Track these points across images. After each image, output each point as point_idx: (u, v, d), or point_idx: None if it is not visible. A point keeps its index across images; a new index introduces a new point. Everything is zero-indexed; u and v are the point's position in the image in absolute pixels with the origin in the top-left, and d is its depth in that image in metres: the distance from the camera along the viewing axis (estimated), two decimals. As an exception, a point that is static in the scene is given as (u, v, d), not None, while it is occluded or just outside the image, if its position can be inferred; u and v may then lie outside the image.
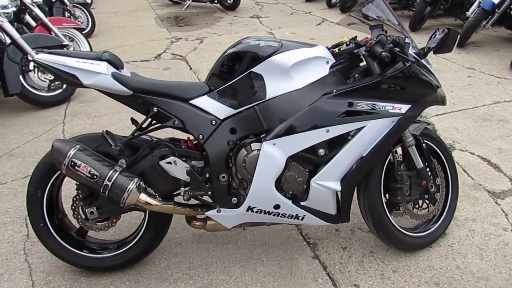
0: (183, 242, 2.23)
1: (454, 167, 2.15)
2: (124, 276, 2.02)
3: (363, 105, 1.76)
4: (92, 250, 2.00)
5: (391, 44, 1.79)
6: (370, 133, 1.78)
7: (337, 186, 1.81)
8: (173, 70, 5.06)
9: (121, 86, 1.76)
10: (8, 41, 3.76)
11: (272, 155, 1.75)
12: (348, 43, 1.89)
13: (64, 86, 4.05)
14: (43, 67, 1.80)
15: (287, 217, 1.88)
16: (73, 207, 1.90)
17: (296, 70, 1.76)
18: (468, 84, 4.28)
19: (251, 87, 1.78)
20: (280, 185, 1.81)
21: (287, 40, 1.86)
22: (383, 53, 1.66)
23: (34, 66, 3.89)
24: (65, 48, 4.25)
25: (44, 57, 1.79)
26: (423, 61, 1.83)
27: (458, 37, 1.73)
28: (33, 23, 4.44)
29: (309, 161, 1.80)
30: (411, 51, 1.80)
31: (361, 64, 1.91)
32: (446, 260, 2.05)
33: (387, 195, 2.02)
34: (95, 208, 1.86)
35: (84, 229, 1.98)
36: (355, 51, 1.85)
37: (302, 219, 1.89)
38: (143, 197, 1.77)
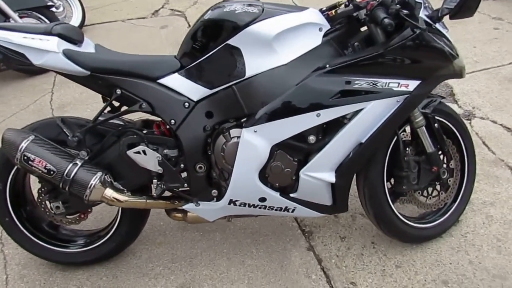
0: (167, 230, 2.06)
1: (472, 146, 1.86)
2: (102, 270, 1.87)
3: (361, 83, 1.47)
4: (66, 242, 1.84)
5: (397, 5, 1.46)
6: (370, 116, 1.50)
7: (331, 178, 1.56)
8: (170, 28, 4.72)
9: (75, 66, 1.50)
10: (-12, 4, 3.49)
11: (254, 144, 1.50)
12: (346, 4, 1.56)
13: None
14: (-14, 45, 1.54)
15: (275, 210, 1.66)
16: (39, 200, 1.72)
17: (280, 41, 1.46)
18: (494, 38, 3.82)
19: (228, 62, 1.50)
20: (265, 176, 1.57)
21: (271, 4, 1.55)
22: (386, 20, 1.34)
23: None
24: (53, 9, 3.97)
25: (-12, 33, 1.53)
26: (437, 26, 1.49)
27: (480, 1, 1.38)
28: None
29: (298, 150, 1.54)
30: (422, 14, 1.46)
31: (362, 29, 1.59)
32: (457, 253, 1.81)
33: (391, 181, 1.76)
34: (60, 202, 1.67)
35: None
36: (354, 14, 1.52)
37: (292, 211, 1.67)
38: (109, 192, 1.56)
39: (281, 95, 1.47)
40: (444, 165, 1.78)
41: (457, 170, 1.83)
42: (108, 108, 1.68)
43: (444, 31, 1.53)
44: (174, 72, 1.57)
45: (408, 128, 1.73)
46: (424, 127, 1.66)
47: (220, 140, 1.56)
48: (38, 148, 1.51)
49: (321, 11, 1.61)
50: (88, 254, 1.81)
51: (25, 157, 1.50)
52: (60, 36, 1.52)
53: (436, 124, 1.68)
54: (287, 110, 1.46)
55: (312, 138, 1.52)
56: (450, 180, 1.81)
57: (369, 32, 1.53)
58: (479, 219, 1.96)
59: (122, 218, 1.76)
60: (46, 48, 1.48)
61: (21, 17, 3.62)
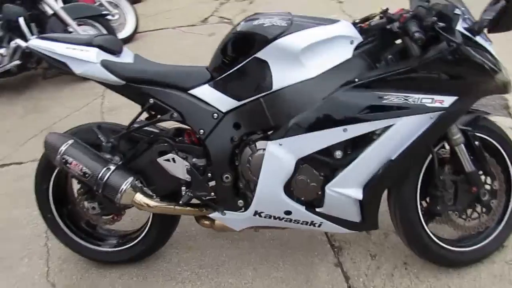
0: (197, 235, 2.09)
1: (520, 167, 1.72)
2: (133, 270, 1.94)
3: (392, 98, 1.41)
4: (101, 241, 1.94)
5: (434, 18, 1.39)
6: (400, 132, 1.44)
7: (358, 194, 1.52)
8: (218, 35, 4.78)
9: (111, 76, 1.58)
10: (50, 12, 3.76)
11: (278, 157, 1.49)
12: (380, 16, 1.51)
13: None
14: (36, 54, 1.66)
15: (301, 224, 1.64)
16: (78, 200, 1.82)
17: (308, 54, 1.45)
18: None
19: (256, 75, 1.51)
20: (290, 189, 1.56)
21: (302, 17, 1.54)
22: (416, 34, 1.28)
23: (76, 37, 3.86)
24: (109, 17, 4.19)
25: (37, 43, 1.66)
26: (477, 38, 1.40)
27: None
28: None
29: (324, 165, 1.51)
30: (460, 27, 1.38)
31: (397, 42, 1.53)
32: (499, 282, 1.68)
33: (427, 200, 1.67)
34: (96, 203, 1.76)
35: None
36: (388, 26, 1.47)
37: (319, 226, 1.64)
38: (139, 197, 1.62)
39: (308, 109, 1.45)
40: (487, 186, 1.66)
41: (501, 192, 1.70)
42: (147, 115, 1.75)
43: (486, 43, 1.43)
44: (204, 83, 1.60)
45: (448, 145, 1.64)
46: (462, 145, 1.56)
47: (247, 151, 1.57)
48: (76, 152, 1.60)
49: (354, 23, 1.57)
50: (120, 254, 1.89)
51: (64, 160, 1.60)
52: (100, 47, 1.61)
53: (476, 142, 1.58)
54: (313, 124, 1.44)
55: (338, 153, 1.48)
56: (493, 202, 1.69)
57: (403, 45, 1.47)
58: (527, 247, 1.81)
59: (153, 222, 1.82)
60: (86, 59, 1.57)
61: (78, 25, 3.86)
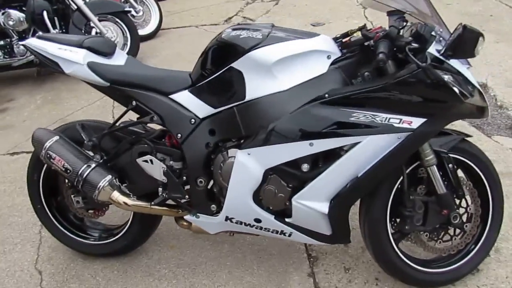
0: (181, 235, 2.15)
1: (500, 191, 1.68)
2: (115, 264, 2.02)
3: (360, 116, 1.41)
4: (86, 233, 2.03)
5: (409, 38, 1.39)
6: (366, 150, 1.44)
7: (323, 208, 1.52)
8: (237, 36, 4.86)
9: (96, 77, 1.66)
10: (75, 7, 3.91)
11: (247, 166, 1.53)
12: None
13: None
14: (31, 53, 1.76)
15: (272, 232, 1.66)
16: (65, 193, 1.92)
17: (281, 67, 1.47)
18: None
19: (231, 85, 1.54)
20: (259, 198, 1.59)
21: (283, 30, 1.56)
22: (379, 56, 1.28)
23: (96, 33, 4.01)
24: (130, 14, 4.31)
25: (32, 42, 1.75)
26: (451, 62, 1.38)
27: (480, 39, 1.25)
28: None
29: (292, 176, 1.53)
30: (433, 49, 1.36)
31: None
32: (468, 306, 1.66)
33: (397, 219, 1.66)
34: (80, 198, 1.85)
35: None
36: (366, 43, 1.47)
37: (289, 235, 1.66)
38: (116, 195, 1.69)
39: (277, 121, 1.47)
40: (462, 209, 1.63)
41: (476, 216, 1.67)
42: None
43: (461, 67, 1.41)
44: (185, 89, 1.65)
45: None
46: (435, 167, 1.54)
47: (219, 158, 1.61)
48: (60, 148, 1.69)
49: (336, 38, 1.58)
50: (103, 248, 1.98)
51: (48, 155, 1.69)
52: (89, 49, 1.69)
53: (450, 165, 1.55)
54: (280, 136, 1.46)
55: (305, 166, 1.50)
56: (467, 226, 1.66)
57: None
58: (503, 272, 1.76)
59: (134, 219, 1.89)
60: (74, 60, 1.66)
61: (100, 20, 4.00)
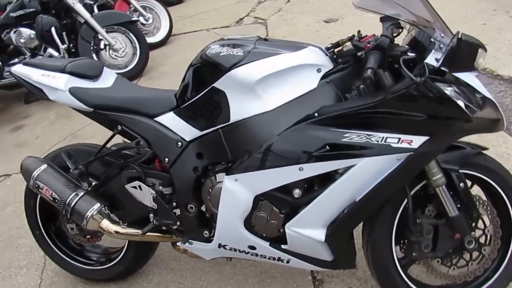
0: (182, 256, 2.06)
1: (523, 210, 1.50)
2: (116, 288, 1.97)
3: (353, 136, 1.28)
4: (86, 259, 1.98)
5: (406, 46, 1.24)
6: (362, 174, 1.30)
7: (319, 235, 1.40)
8: (248, 38, 4.76)
9: (79, 103, 1.60)
10: (82, 21, 3.92)
11: (235, 192, 1.42)
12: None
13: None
14: (17, 80, 1.72)
15: (269, 259, 1.55)
16: (61, 220, 1.87)
17: (265, 86, 1.35)
18: None
19: (215, 106, 1.44)
20: (251, 225, 1.48)
21: (267, 43, 1.44)
22: (367, 72, 1.14)
23: (105, 45, 4.00)
24: (137, 23, 4.28)
25: (17, 70, 1.72)
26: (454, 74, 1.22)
27: (479, 51, 1.08)
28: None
29: (284, 202, 1.42)
30: (432, 58, 1.20)
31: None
32: (488, 338, 1.49)
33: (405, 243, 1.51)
34: (74, 224, 1.80)
35: (76, 240, 1.96)
36: (358, 53, 1.33)
37: (288, 262, 1.54)
38: (105, 223, 1.63)
39: (264, 144, 1.36)
40: (478, 231, 1.46)
41: (496, 238, 1.50)
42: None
43: (468, 77, 1.24)
44: (170, 111, 1.56)
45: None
46: (444, 187, 1.39)
47: (208, 183, 1.52)
48: (47, 177, 1.64)
49: (328, 48, 1.45)
50: (100, 273, 1.93)
51: (36, 185, 1.64)
52: (72, 73, 1.62)
53: (462, 184, 1.39)
54: (267, 161, 1.35)
55: (297, 192, 1.38)
56: (485, 249, 1.49)
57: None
58: (528, 300, 1.58)
59: (129, 245, 1.83)
60: (56, 86, 1.60)
61: (108, 32, 3.99)
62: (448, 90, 1.20)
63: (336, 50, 1.41)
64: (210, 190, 1.50)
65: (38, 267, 2.19)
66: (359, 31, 1.42)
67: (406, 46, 1.25)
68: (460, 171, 1.40)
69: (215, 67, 1.41)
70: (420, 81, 1.14)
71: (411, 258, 1.47)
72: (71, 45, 3.95)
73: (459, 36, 1.11)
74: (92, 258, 1.98)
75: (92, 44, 3.94)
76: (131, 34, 4.15)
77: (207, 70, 1.46)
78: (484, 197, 1.49)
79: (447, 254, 1.48)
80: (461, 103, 1.20)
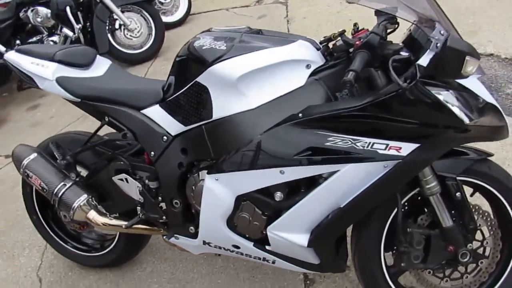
0: (176, 246, 2.07)
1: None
2: (109, 275, 1.99)
3: (337, 140, 1.19)
4: (81, 244, 2.00)
5: (400, 45, 1.13)
6: (346, 180, 1.22)
7: (302, 240, 1.33)
8: (267, 18, 4.62)
9: (66, 93, 1.57)
10: (98, 0, 3.88)
11: (215, 192, 1.37)
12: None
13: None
14: (10, 68, 1.71)
15: (254, 258, 1.51)
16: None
17: (247, 82, 1.28)
18: None
19: (198, 101, 1.38)
20: (234, 225, 1.44)
21: (252, 36, 1.35)
22: (347, 74, 1.04)
23: (120, 25, 3.97)
24: (154, 1, 4.22)
25: (10, 56, 1.70)
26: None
27: (466, 59, 0.96)
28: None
29: (266, 205, 1.35)
30: (427, 58, 1.09)
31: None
32: None
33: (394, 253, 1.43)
34: (67, 212, 1.81)
35: (71, 226, 1.97)
36: (351, 50, 1.23)
37: (273, 262, 1.50)
38: (92, 214, 1.63)
39: (245, 144, 1.29)
40: (465, 247, 1.34)
41: (496, 251, 1.39)
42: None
43: (467, 80, 1.12)
44: (156, 104, 1.51)
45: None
46: (439, 195, 1.29)
47: (191, 180, 1.47)
48: (36, 166, 1.64)
49: (320, 42, 1.34)
50: (94, 260, 1.95)
51: (26, 173, 1.65)
52: (61, 62, 1.59)
53: (458, 194, 1.28)
54: (248, 162, 1.28)
55: (279, 195, 1.31)
56: (482, 262, 1.39)
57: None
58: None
59: (121, 234, 1.83)
60: (43, 76, 1.57)
61: (123, 12, 3.95)
62: (443, 95, 1.09)
63: (328, 44, 1.32)
64: (194, 187, 1.46)
65: (40, 249, 2.23)
66: (355, 24, 1.31)
67: (400, 44, 1.14)
68: (459, 178, 1.29)
69: (198, 61, 1.34)
70: (406, 86, 1.03)
71: (399, 268, 1.39)
72: (87, 24, 3.93)
73: (445, 41, 0.99)
74: (88, 244, 1.99)
75: (107, 24, 3.91)
76: (146, 14, 4.09)
77: (191, 63, 1.39)
78: (484, 207, 1.38)
79: (440, 266, 1.39)
80: (456, 109, 1.09)
